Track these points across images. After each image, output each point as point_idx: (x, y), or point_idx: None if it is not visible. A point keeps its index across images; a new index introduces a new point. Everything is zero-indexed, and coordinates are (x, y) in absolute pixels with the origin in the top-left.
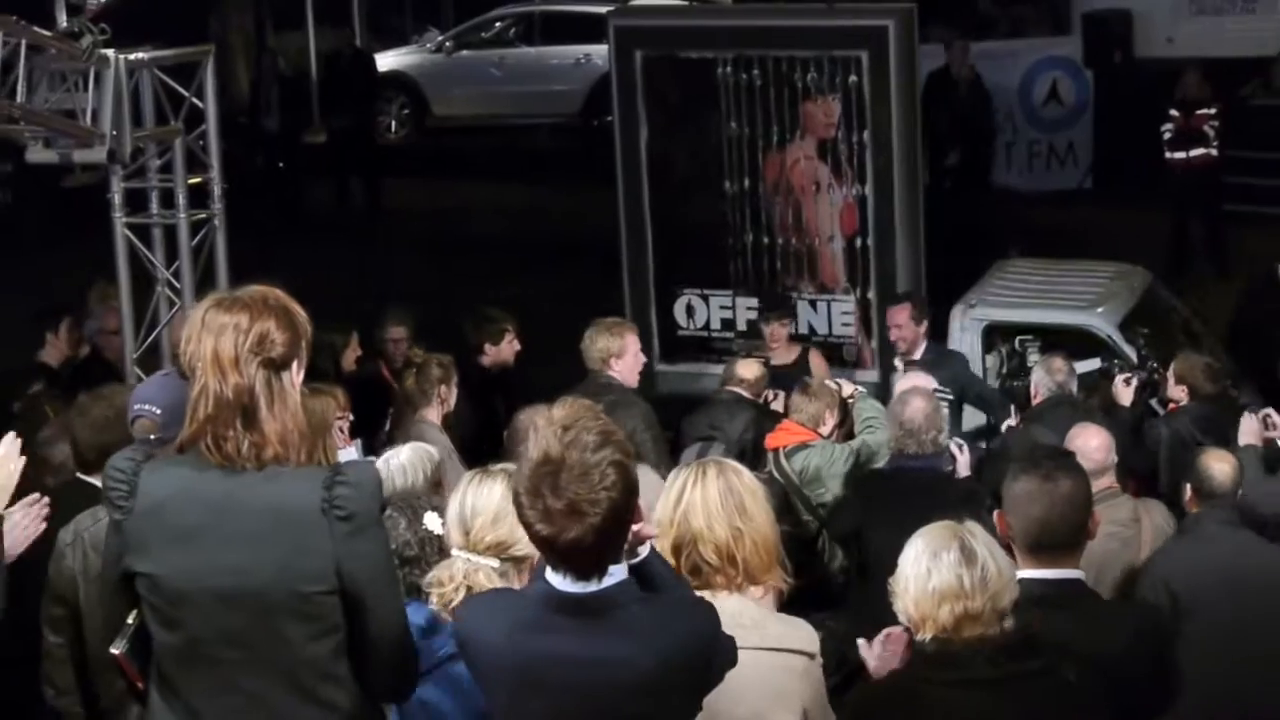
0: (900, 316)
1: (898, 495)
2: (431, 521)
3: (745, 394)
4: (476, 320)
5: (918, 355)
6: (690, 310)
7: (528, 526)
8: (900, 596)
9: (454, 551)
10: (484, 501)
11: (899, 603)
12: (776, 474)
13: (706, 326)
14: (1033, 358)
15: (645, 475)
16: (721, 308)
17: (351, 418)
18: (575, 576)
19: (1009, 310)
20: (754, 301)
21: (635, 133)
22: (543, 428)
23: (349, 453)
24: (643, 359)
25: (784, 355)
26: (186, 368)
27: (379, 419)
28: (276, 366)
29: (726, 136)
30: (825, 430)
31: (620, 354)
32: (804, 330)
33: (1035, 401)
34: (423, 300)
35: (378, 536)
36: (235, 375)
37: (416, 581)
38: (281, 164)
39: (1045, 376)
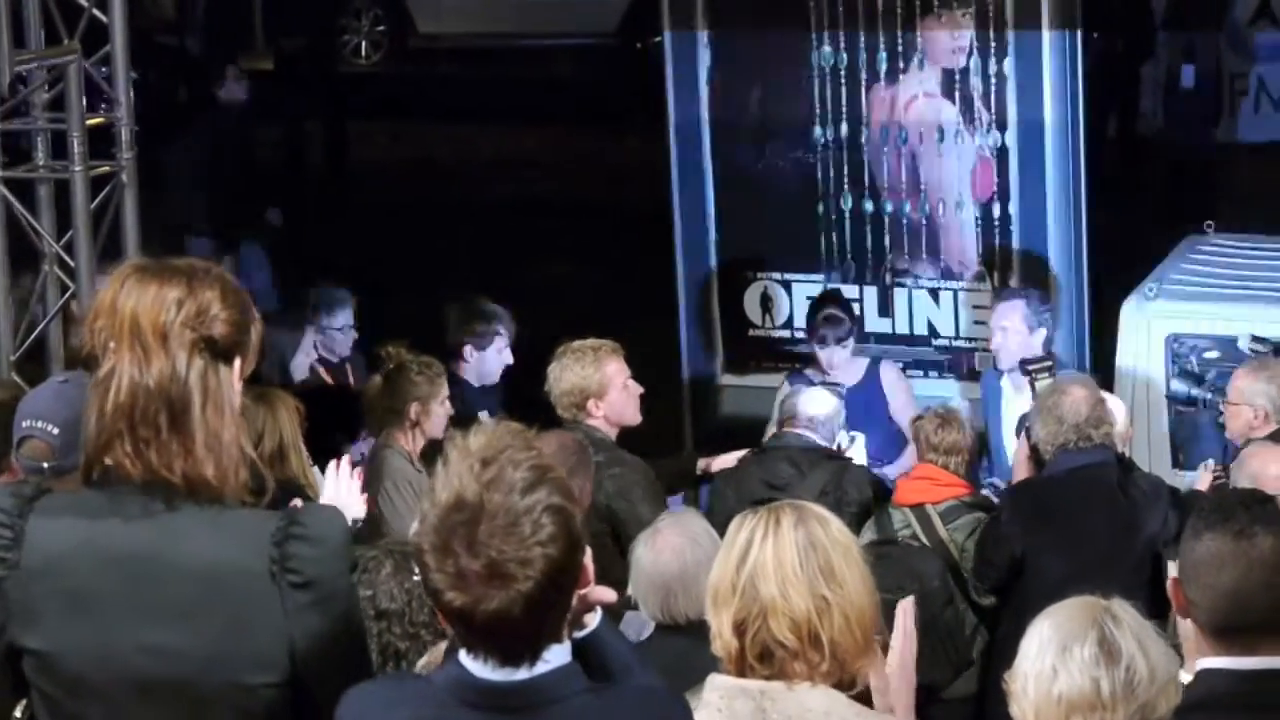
0: (1010, 317)
1: (1073, 507)
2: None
3: (818, 439)
4: (460, 313)
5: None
6: (767, 301)
7: (435, 595)
8: (1017, 699)
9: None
10: None
11: (1015, 707)
12: (925, 539)
13: (789, 323)
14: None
15: (696, 530)
16: (809, 298)
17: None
18: (499, 660)
19: (1202, 305)
20: (852, 289)
21: (693, 59)
22: (455, 462)
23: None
24: (636, 389)
25: (846, 373)
26: (93, 351)
27: (338, 440)
28: (217, 353)
29: (817, 65)
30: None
31: (601, 391)
32: (922, 330)
33: (1256, 430)
34: (399, 287)
35: (344, 609)
36: (161, 357)
37: (395, 643)
38: (215, 99)
39: (1271, 389)
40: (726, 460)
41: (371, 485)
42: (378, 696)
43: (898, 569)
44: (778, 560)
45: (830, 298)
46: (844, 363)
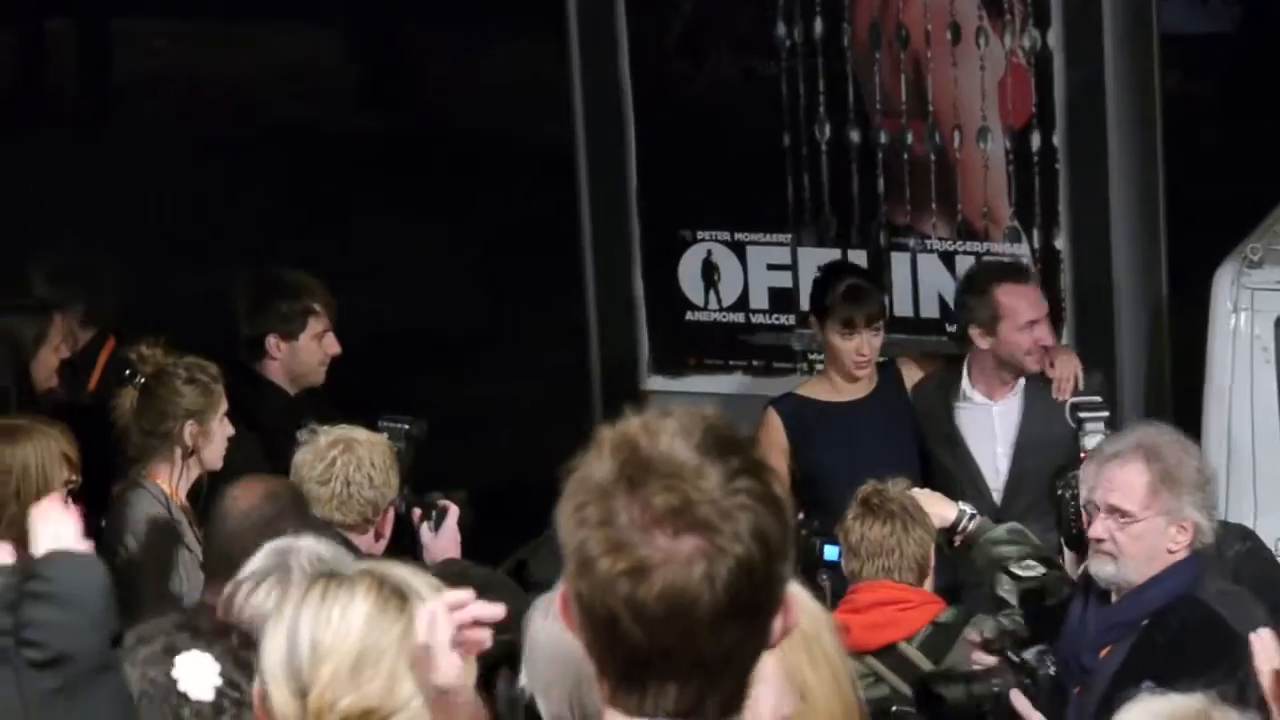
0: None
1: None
2: (194, 670)
3: None
4: (257, 291)
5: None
6: (711, 272)
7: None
8: None
9: None
10: (336, 632)
11: None
12: (894, 677)
13: (743, 303)
14: None
15: None
16: (770, 266)
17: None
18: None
19: None
20: (833, 254)
21: None
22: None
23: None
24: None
25: (855, 384)
26: None
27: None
28: None
29: None
30: (929, 582)
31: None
32: (931, 310)
33: None
34: (172, 255)
35: (104, 695)
36: None
37: None
38: None
39: None
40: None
41: (109, 540)
42: None
43: None
44: None
45: (846, 266)
46: (874, 357)
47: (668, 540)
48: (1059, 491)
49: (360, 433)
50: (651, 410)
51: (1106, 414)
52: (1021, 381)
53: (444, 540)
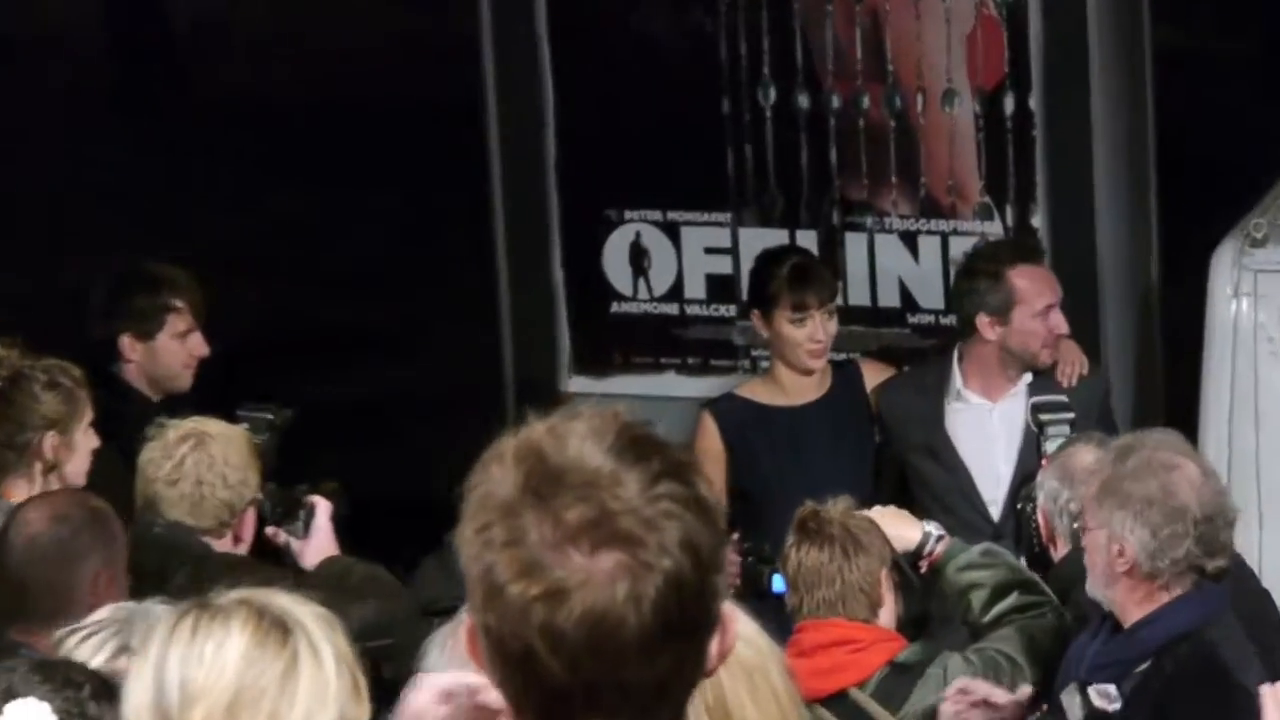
0: (1054, 288)
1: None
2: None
3: None
4: (114, 287)
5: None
6: (640, 257)
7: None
8: None
9: None
10: (209, 670)
11: None
12: None
13: (677, 292)
14: None
15: None
16: (708, 250)
17: None
18: None
19: None
20: (779, 235)
21: None
22: None
23: None
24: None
25: (806, 384)
26: None
27: None
28: None
29: None
30: (887, 615)
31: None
32: (891, 299)
33: None
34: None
35: None
36: None
37: None
38: None
39: None
40: None
41: None
42: None
43: None
44: None
45: (788, 248)
46: (829, 344)
47: (585, 558)
48: (1019, 505)
49: (214, 425)
50: (557, 413)
51: (1071, 415)
52: (1026, 378)
53: (317, 539)
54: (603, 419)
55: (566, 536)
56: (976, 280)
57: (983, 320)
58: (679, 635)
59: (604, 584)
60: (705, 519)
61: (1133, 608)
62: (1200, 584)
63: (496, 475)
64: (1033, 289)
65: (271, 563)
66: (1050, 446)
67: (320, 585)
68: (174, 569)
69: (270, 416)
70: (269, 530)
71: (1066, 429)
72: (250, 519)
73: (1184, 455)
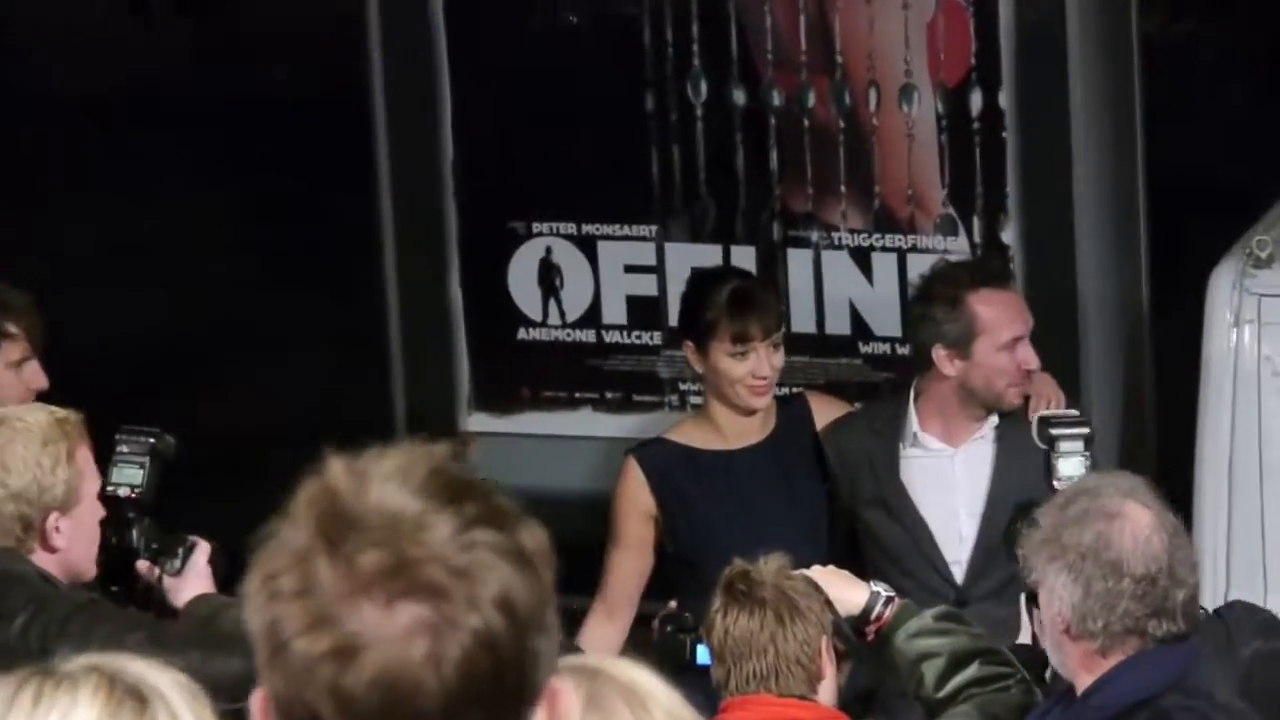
0: (1022, 313)
1: None
2: None
3: None
4: None
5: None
6: (551, 275)
7: None
8: None
9: None
10: None
11: None
12: None
13: (594, 316)
14: None
15: None
16: (629, 269)
17: None
18: None
19: None
20: (712, 251)
21: None
22: None
23: None
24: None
25: (746, 425)
26: None
27: None
28: None
29: None
30: (828, 690)
31: (67, 505)
32: (841, 326)
33: None
34: None
35: None
36: None
37: None
38: None
39: None
40: None
41: None
42: None
43: None
44: None
45: (725, 269)
46: (774, 380)
47: (378, 611)
48: (1015, 524)
49: (23, 412)
50: (363, 455)
51: (1087, 431)
52: (993, 420)
53: (191, 576)
54: (411, 458)
55: (359, 586)
56: (932, 306)
57: (940, 353)
58: (488, 704)
59: (399, 641)
60: (527, 572)
61: (1082, 673)
62: (1154, 646)
63: (289, 522)
64: (997, 317)
65: (140, 595)
66: (1064, 466)
67: (185, 627)
68: (8, 599)
69: (152, 441)
70: (140, 565)
71: (1080, 445)
72: (66, 526)
73: (1136, 502)
